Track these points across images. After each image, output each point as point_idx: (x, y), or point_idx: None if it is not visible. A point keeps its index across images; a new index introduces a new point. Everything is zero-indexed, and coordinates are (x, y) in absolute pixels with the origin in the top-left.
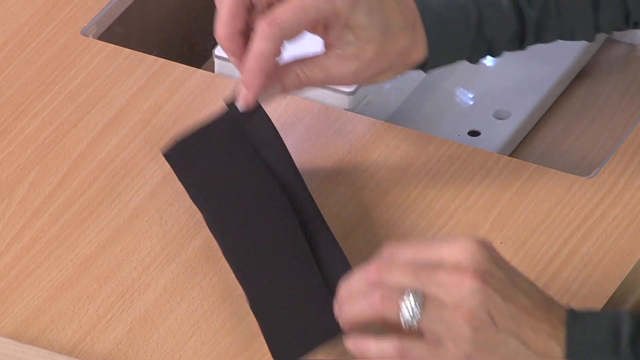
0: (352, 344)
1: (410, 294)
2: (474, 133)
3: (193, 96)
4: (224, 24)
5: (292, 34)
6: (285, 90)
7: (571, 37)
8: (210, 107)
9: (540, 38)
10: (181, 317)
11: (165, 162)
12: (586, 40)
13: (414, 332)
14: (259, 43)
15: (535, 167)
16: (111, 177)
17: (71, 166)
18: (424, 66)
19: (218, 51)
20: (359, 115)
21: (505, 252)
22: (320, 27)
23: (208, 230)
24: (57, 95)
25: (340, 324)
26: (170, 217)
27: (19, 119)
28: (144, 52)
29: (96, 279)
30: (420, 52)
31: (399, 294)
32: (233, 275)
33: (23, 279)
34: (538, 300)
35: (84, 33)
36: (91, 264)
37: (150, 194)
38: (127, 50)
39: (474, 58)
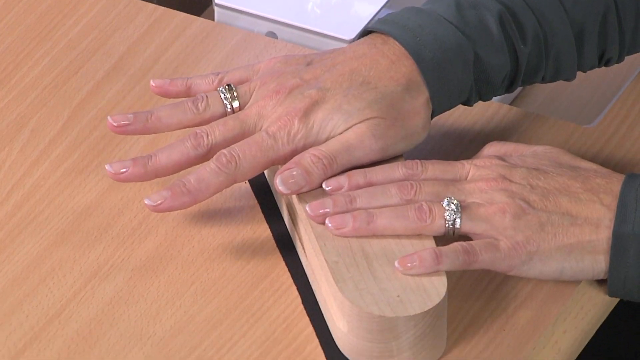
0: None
1: (447, 200)
2: None
3: (193, 44)
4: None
5: (245, 175)
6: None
7: (555, 76)
8: (210, 56)
9: (530, 77)
10: (181, 266)
11: None
12: (567, 80)
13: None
14: (211, 174)
15: (536, 115)
16: None
17: (71, 114)
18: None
19: None
20: None
21: None
22: None
23: None
24: (58, 43)
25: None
26: None
27: (19, 67)
28: None
29: (97, 227)
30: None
31: (436, 203)
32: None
33: (24, 227)
34: (572, 175)
35: None
36: (92, 212)
37: (150, 141)
38: None
39: (471, 100)
